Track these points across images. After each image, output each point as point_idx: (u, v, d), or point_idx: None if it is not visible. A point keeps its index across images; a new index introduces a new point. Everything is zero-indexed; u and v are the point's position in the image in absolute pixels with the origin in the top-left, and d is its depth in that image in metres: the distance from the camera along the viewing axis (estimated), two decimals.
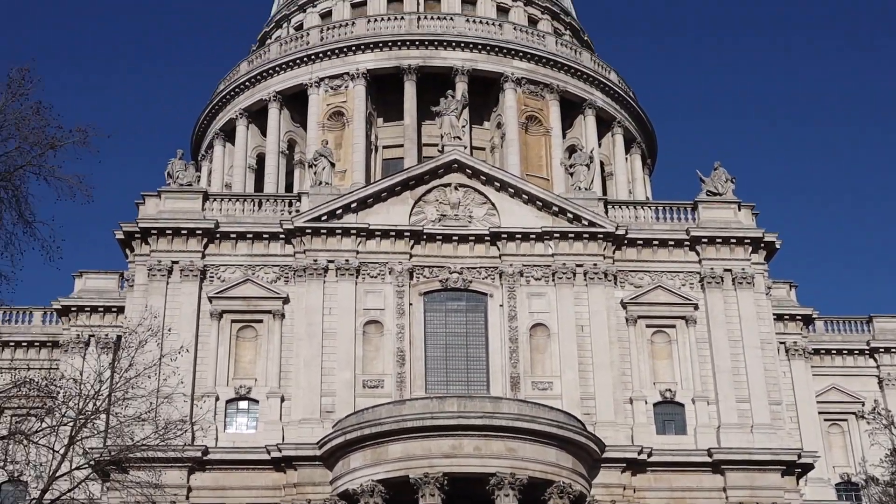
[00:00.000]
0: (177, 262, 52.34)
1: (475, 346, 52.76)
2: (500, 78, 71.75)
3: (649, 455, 49.82)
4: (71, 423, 36.77)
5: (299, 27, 79.09)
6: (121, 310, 56.55)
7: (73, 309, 59.47)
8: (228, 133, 76.50)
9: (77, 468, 37.32)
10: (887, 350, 69.45)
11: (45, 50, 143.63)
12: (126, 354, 39.34)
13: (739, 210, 56.22)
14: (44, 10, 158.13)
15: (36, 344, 63.17)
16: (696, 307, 53.59)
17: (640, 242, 54.68)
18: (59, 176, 31.18)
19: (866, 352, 69.65)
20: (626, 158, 77.20)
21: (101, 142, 31.52)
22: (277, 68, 73.32)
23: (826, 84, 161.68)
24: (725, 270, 54.28)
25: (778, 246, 55.85)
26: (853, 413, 67.25)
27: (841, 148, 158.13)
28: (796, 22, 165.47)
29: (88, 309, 59.39)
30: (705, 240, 54.58)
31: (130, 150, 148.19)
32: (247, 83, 74.63)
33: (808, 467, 51.74)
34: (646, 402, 51.75)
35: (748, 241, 54.96)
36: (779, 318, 61.70)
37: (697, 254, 54.65)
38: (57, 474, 36.18)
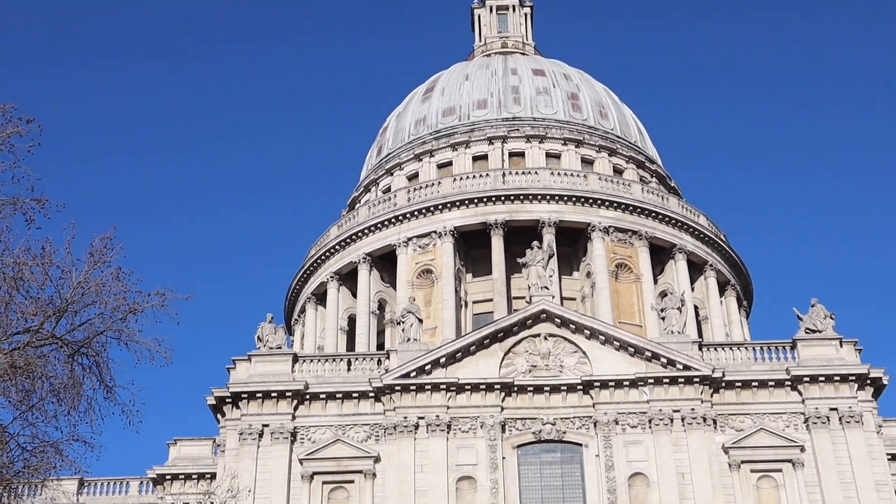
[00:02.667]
0: (267, 425, 52.10)
1: (572, 498, 50.87)
2: (587, 227, 71.59)
3: None
4: None
5: (387, 190, 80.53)
6: (214, 476, 56.35)
7: (167, 477, 59.39)
8: (320, 296, 77.37)
9: None
10: None
11: (128, 212, 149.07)
12: None
13: (841, 346, 54.05)
14: (124, 173, 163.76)
15: None
16: (802, 449, 51.08)
17: (739, 384, 52.75)
18: (139, 340, 31.40)
19: None
20: (721, 301, 75.61)
21: (195, 310, 31.99)
22: (366, 230, 74.40)
23: None
24: (831, 409, 51.89)
25: (885, 382, 53.28)
26: None
27: None
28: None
29: (182, 476, 59.27)
30: (807, 378, 52.46)
31: (227, 317, 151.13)
32: (337, 247, 75.75)
33: None
34: None
35: (853, 377, 52.61)
36: (893, 457, 58.45)
37: (800, 393, 52.48)
38: None
